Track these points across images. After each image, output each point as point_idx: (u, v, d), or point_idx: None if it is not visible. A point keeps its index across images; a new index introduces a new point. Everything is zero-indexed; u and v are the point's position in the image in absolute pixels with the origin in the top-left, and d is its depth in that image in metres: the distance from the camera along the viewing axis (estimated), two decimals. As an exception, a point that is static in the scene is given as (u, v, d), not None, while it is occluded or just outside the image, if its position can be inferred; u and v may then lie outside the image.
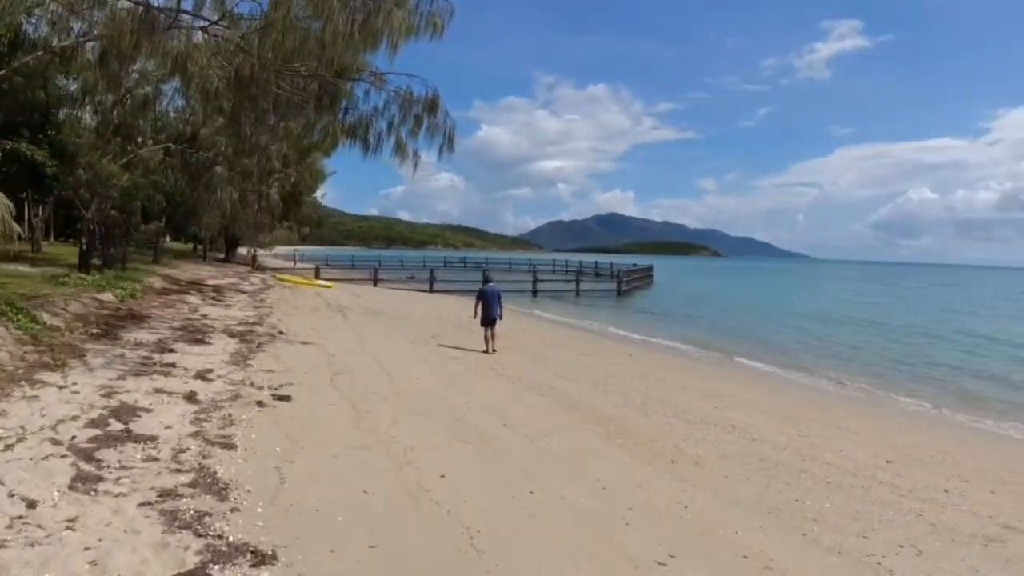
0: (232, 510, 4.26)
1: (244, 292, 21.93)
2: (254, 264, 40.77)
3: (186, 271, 27.24)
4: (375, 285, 35.53)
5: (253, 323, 13.90)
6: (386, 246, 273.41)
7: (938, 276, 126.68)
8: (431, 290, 34.19)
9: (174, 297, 17.42)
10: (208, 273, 28.65)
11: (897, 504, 5.94)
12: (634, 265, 58.48)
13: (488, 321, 12.83)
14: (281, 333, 12.66)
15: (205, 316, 14.34)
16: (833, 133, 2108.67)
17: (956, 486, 6.71)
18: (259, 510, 4.32)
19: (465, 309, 23.26)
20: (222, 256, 46.88)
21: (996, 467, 7.93)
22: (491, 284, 13.51)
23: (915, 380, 15.91)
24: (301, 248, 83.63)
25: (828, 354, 19.89)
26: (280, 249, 65.14)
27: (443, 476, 5.35)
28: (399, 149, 13.32)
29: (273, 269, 39.48)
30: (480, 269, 49.04)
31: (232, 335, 11.84)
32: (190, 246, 49.04)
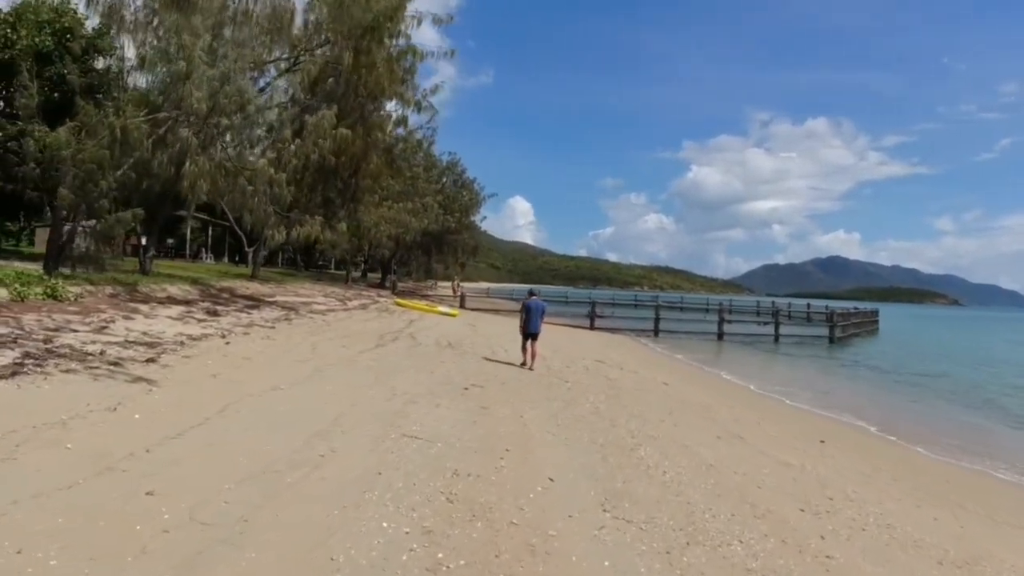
0: None
1: (307, 315, 18.10)
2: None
3: (274, 287, 24.72)
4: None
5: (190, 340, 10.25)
6: (592, 286, 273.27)
7: None
8: (591, 327, 29.90)
9: (138, 306, 13.48)
10: (308, 292, 26.27)
11: None
12: (854, 308, 47.45)
13: (529, 334, 12.85)
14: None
15: (126, 330, 10.64)
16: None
17: None
18: None
19: (610, 349, 19.77)
20: (381, 281, 46.50)
21: None
22: (534, 299, 13.57)
23: None
24: (510, 286, 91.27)
25: None
26: (491, 286, 73.45)
27: None
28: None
29: (435, 296, 38.31)
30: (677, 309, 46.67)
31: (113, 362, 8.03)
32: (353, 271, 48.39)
